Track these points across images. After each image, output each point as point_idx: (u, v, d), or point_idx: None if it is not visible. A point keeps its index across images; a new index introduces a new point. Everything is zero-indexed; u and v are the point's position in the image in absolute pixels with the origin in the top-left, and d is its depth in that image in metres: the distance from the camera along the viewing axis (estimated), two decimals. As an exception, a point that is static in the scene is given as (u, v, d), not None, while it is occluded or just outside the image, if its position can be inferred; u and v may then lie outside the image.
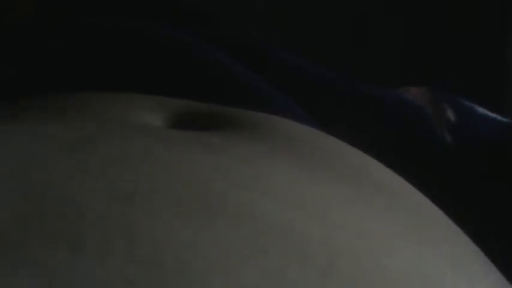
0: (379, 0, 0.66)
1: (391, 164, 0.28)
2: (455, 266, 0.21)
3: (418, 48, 0.67)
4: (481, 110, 0.41)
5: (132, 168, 0.19)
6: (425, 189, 0.27)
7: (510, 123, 0.40)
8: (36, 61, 0.36)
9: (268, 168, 0.21)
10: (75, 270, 0.15)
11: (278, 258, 0.17)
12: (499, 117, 0.41)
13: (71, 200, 0.17)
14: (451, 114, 0.39)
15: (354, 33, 0.64)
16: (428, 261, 0.20)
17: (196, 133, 0.24)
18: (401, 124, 0.39)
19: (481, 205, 0.37)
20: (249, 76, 0.37)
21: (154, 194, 0.18)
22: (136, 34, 0.37)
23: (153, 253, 0.16)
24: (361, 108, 0.40)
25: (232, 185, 0.19)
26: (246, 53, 0.39)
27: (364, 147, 0.28)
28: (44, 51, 0.36)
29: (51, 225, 0.16)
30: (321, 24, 0.61)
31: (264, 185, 0.20)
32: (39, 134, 0.21)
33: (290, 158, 0.23)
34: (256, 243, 0.17)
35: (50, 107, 0.27)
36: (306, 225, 0.18)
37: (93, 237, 0.16)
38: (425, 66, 0.66)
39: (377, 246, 0.19)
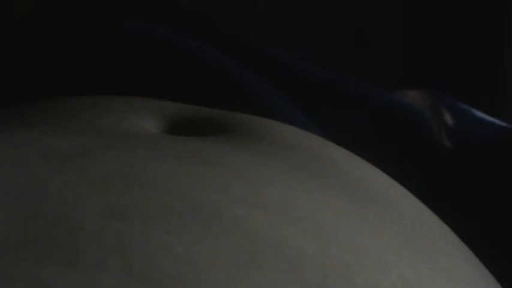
0: (379, 0, 0.66)
1: (390, 166, 0.28)
2: (452, 280, 0.21)
3: (418, 48, 0.67)
4: (479, 113, 0.41)
5: (127, 183, 0.19)
6: (424, 192, 0.27)
7: (507, 126, 0.41)
8: (36, 61, 0.36)
9: (263, 180, 0.21)
10: (73, 284, 0.15)
11: (272, 274, 0.17)
12: (496, 121, 0.41)
13: (66, 216, 0.17)
14: (448, 118, 0.39)
15: (353, 34, 0.64)
16: (423, 277, 0.20)
17: (193, 141, 0.24)
18: (401, 126, 0.39)
19: (479, 207, 0.37)
20: (248, 77, 0.37)
21: (150, 209, 0.18)
22: (135, 34, 0.37)
23: (149, 268, 0.16)
24: (361, 109, 0.40)
25: (228, 199, 0.19)
26: (245, 53, 0.39)
27: (363, 149, 0.28)
28: (44, 51, 0.36)
29: (47, 241, 0.16)
30: (320, 24, 0.61)
31: (259, 199, 0.20)
32: (36, 147, 0.21)
33: (286, 168, 0.23)
34: (250, 258, 0.17)
35: (47, 115, 0.27)
36: (300, 241, 0.19)
37: (89, 253, 0.16)
38: (424, 67, 0.66)
39: (371, 261, 0.19)
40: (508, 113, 0.63)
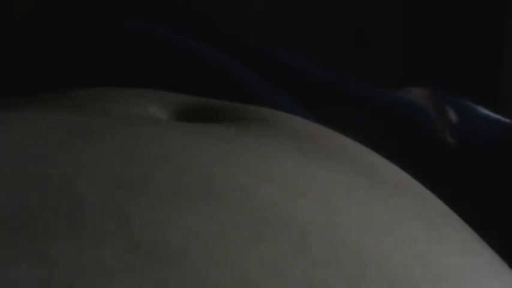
0: (379, 0, 0.66)
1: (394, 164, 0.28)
2: (466, 253, 0.20)
3: (418, 48, 0.67)
4: (483, 110, 0.41)
5: (133, 156, 0.19)
6: (428, 190, 0.27)
7: (510, 124, 0.40)
8: (36, 61, 0.36)
9: (273, 156, 0.21)
10: (75, 260, 0.15)
11: (280, 247, 0.17)
12: (501, 118, 0.41)
13: (71, 189, 0.17)
14: (453, 116, 0.39)
15: (353, 34, 0.64)
16: (437, 249, 0.19)
17: (201, 124, 0.24)
18: (402, 125, 0.39)
19: (483, 206, 0.37)
20: (249, 77, 0.37)
21: (156, 182, 0.18)
22: (135, 34, 0.37)
23: (154, 241, 0.16)
24: (361, 109, 0.40)
25: (236, 173, 0.19)
26: (245, 53, 0.39)
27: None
28: (44, 51, 0.36)
29: (51, 215, 0.16)
30: (320, 24, 0.61)
31: (268, 172, 0.20)
32: (40, 123, 0.21)
33: (296, 147, 0.23)
34: (258, 231, 0.17)
35: (51, 101, 0.27)
36: (309, 213, 0.18)
37: (93, 227, 0.16)
38: (424, 67, 0.66)
39: (382, 233, 0.19)
40: (508, 113, 0.63)
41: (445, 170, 0.38)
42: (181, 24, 0.41)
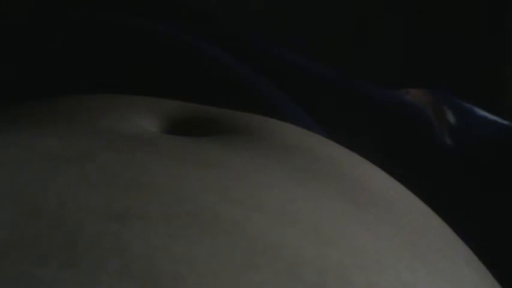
0: (380, 0, 0.66)
1: (391, 166, 0.28)
2: (451, 282, 0.21)
3: (418, 48, 0.67)
4: (481, 112, 0.41)
5: (126, 185, 0.20)
6: (425, 192, 0.27)
7: (510, 125, 0.41)
8: (37, 61, 0.36)
9: (262, 182, 0.22)
10: (71, 286, 0.15)
11: (270, 276, 0.17)
12: (498, 120, 0.41)
13: (65, 218, 0.17)
14: (450, 117, 0.39)
15: (354, 33, 0.64)
16: (421, 279, 0.20)
17: (192, 142, 0.25)
18: (402, 126, 0.39)
19: (481, 207, 0.37)
20: (250, 76, 0.37)
21: (148, 211, 0.18)
22: (136, 33, 0.37)
23: (148, 270, 0.16)
24: (361, 108, 0.40)
25: (226, 202, 0.20)
26: (246, 51, 0.39)
27: (364, 149, 0.28)
28: (44, 51, 0.36)
29: (45, 243, 0.16)
30: (320, 24, 0.61)
31: (257, 201, 0.20)
32: (34, 150, 0.21)
33: (285, 170, 0.23)
34: (248, 260, 0.17)
35: (47, 114, 0.27)
36: (298, 243, 0.19)
37: (87, 255, 0.16)
38: (425, 67, 0.66)
39: (369, 263, 0.19)
40: (509, 114, 0.63)
41: (443, 171, 0.38)
42: (181, 22, 0.41)
